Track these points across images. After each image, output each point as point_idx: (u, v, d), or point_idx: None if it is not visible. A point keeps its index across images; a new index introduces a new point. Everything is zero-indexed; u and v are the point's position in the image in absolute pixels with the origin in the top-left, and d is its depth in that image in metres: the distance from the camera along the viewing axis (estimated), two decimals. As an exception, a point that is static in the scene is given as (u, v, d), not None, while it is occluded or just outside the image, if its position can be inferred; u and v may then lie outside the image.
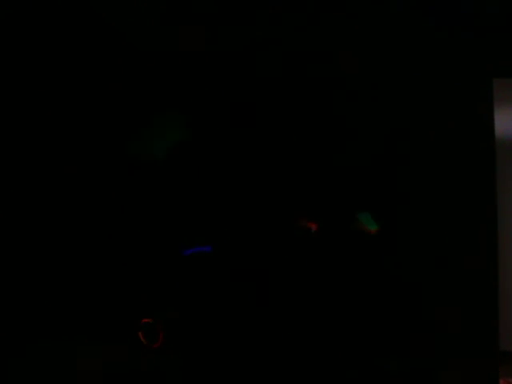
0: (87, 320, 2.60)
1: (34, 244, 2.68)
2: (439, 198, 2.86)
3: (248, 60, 2.85)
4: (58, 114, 2.78)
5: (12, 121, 2.76)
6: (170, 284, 2.64)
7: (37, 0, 2.75)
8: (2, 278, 2.59)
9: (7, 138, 2.74)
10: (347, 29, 2.90)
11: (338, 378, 2.50)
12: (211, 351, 2.55)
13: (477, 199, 2.86)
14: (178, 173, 2.76)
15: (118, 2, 2.83)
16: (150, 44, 2.84)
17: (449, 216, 2.85)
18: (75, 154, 2.77)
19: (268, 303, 2.60)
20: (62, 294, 2.63)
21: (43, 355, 2.52)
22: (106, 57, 2.80)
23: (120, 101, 2.80)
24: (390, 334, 2.60)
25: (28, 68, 2.76)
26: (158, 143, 2.71)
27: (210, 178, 2.76)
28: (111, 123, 2.81)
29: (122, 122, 2.81)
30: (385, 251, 2.73)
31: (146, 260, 2.70)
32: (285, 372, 2.53)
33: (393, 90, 2.90)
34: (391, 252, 2.75)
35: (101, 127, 2.80)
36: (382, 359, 2.55)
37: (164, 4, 2.85)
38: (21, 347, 2.52)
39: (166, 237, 2.72)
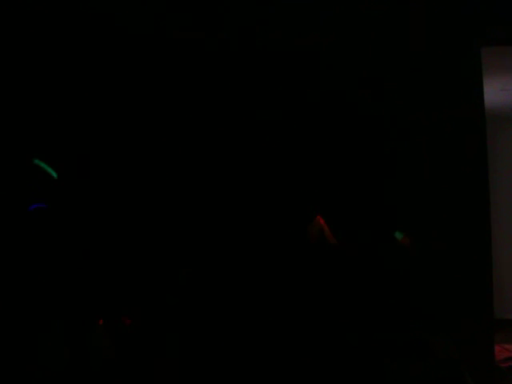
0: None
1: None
2: (431, 169, 2.83)
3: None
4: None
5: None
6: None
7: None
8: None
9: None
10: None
11: (339, 345, 2.54)
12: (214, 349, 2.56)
13: (468, 167, 2.83)
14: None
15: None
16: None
17: (441, 187, 2.83)
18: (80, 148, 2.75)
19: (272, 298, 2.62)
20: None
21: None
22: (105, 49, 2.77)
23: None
24: (388, 304, 2.63)
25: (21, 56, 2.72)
26: None
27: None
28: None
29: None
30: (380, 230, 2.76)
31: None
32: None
33: (381, 63, 2.86)
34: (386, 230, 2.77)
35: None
36: (379, 329, 2.58)
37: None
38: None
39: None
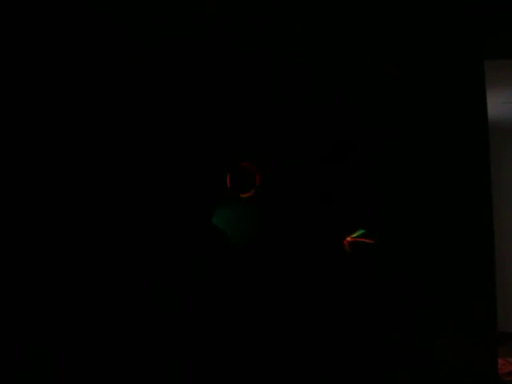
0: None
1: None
2: (434, 179, 2.84)
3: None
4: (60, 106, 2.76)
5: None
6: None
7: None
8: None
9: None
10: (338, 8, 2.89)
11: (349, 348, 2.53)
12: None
13: (471, 180, 2.85)
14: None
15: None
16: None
17: (443, 197, 2.84)
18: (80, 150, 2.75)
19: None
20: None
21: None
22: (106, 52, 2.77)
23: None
24: (394, 314, 2.61)
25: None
26: None
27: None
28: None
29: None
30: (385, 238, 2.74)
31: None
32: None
33: (384, 74, 2.88)
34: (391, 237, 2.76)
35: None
36: (386, 340, 2.56)
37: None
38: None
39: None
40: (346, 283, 2.65)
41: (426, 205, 2.83)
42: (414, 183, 2.84)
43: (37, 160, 2.68)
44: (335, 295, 2.63)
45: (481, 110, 2.90)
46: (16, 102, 2.72)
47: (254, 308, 2.55)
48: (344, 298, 2.63)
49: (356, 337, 2.58)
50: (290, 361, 2.54)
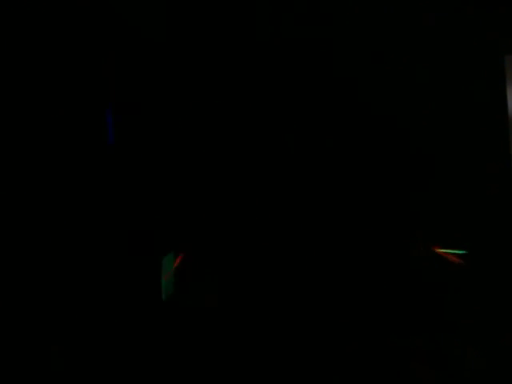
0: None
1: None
2: (455, 180, 2.80)
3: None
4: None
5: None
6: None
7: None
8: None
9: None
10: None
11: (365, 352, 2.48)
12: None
13: (492, 176, 2.78)
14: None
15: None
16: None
17: (465, 197, 2.78)
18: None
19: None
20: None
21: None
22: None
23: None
24: (416, 314, 2.55)
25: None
26: None
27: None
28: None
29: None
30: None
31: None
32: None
33: (403, 71, 2.82)
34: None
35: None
36: (408, 340, 2.51)
37: None
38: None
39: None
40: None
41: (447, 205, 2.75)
42: (438, 183, 2.79)
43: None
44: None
45: (501, 105, 2.82)
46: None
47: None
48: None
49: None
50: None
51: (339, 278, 2.61)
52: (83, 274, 2.58)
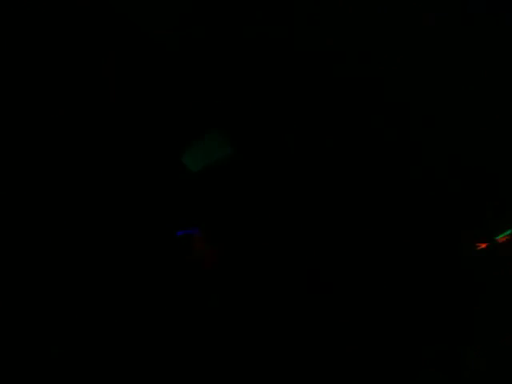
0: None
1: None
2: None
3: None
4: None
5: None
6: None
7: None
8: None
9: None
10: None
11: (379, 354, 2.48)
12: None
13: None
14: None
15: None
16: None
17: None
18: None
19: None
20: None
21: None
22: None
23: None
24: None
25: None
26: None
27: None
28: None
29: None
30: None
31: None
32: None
33: (421, 79, 2.80)
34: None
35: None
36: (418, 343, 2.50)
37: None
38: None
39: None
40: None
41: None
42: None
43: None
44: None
45: None
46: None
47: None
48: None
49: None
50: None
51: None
52: (83, 271, 2.59)
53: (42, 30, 2.70)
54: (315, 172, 2.78)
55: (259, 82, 2.80)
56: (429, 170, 2.79)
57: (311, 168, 2.78)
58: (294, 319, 2.58)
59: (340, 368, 2.52)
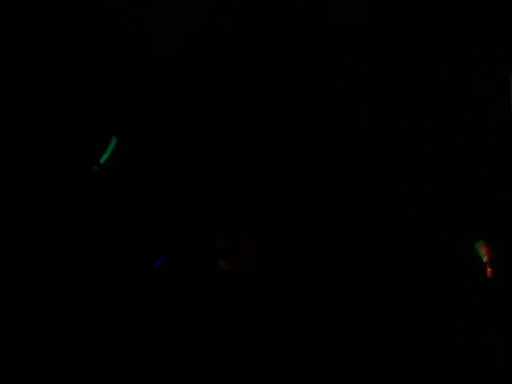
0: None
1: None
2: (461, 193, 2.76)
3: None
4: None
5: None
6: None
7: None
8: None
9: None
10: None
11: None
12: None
13: (499, 197, 2.73)
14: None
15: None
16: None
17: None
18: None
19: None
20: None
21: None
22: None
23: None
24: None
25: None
26: None
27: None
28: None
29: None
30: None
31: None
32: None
33: (407, 86, 2.81)
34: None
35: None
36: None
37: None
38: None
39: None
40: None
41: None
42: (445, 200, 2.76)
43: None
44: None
45: (506, 123, 2.79)
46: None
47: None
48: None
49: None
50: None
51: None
52: (84, 270, 2.60)
53: (38, 29, 2.72)
54: (315, 172, 2.79)
55: (259, 82, 2.81)
56: (429, 169, 2.80)
57: (311, 168, 2.79)
58: (294, 319, 2.59)
59: (340, 368, 2.53)
